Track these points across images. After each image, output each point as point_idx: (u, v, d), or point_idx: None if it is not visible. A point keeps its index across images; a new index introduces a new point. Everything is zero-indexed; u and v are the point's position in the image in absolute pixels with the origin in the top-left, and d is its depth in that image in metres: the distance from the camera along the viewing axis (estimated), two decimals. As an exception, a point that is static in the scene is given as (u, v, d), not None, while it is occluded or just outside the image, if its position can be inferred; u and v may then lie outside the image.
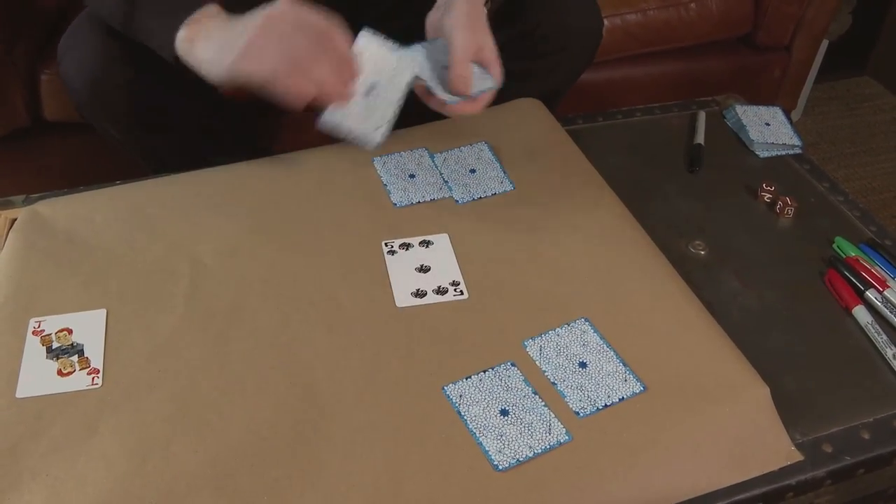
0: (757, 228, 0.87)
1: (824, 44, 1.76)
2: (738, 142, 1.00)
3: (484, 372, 0.64)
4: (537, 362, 0.65)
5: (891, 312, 0.75)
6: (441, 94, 0.75)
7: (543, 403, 0.62)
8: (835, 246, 0.84)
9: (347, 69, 0.74)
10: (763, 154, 0.98)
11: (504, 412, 0.61)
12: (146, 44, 0.76)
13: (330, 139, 0.79)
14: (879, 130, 1.92)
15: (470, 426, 0.60)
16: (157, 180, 0.83)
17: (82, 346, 0.65)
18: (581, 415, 0.61)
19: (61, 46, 0.84)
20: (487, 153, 0.87)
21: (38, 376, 0.63)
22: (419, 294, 0.71)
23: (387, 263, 0.74)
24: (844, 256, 0.82)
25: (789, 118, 1.02)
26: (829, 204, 0.91)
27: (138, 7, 0.75)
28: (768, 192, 0.90)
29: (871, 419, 0.67)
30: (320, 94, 0.72)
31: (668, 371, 0.65)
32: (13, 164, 1.24)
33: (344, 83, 0.74)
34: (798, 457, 0.63)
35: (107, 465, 0.57)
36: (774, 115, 1.02)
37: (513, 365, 0.65)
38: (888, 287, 0.77)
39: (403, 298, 0.70)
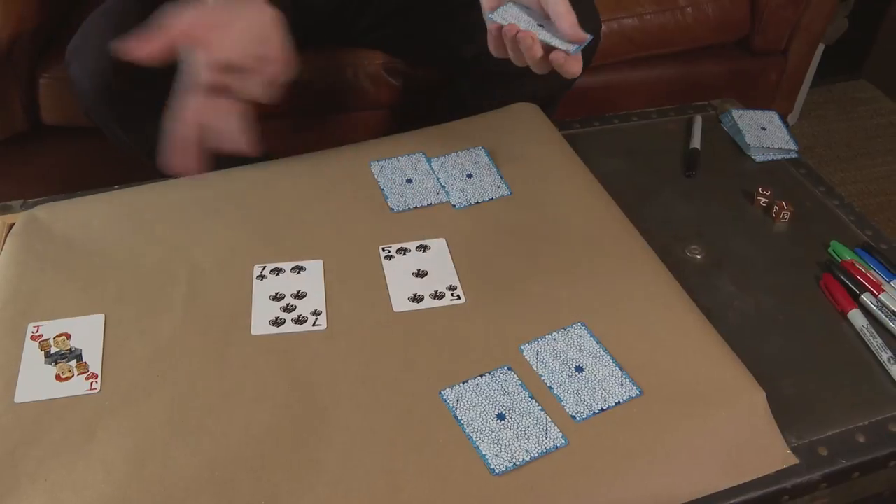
0: (753, 232, 0.87)
1: (820, 48, 1.76)
2: (734, 146, 1.00)
3: (481, 376, 0.64)
4: (534, 367, 0.65)
5: (886, 316, 0.76)
6: (561, 45, 0.69)
7: (540, 408, 0.62)
8: (830, 250, 0.84)
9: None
10: (759, 158, 0.98)
11: (501, 416, 0.62)
12: None
13: (327, 144, 0.79)
14: (875, 134, 1.93)
15: (467, 430, 0.60)
16: (155, 185, 0.83)
17: (81, 350, 0.65)
18: (577, 419, 0.62)
19: (70, 49, 0.84)
20: (484, 158, 0.87)
21: (36, 381, 0.63)
22: (416, 299, 0.71)
23: (384, 268, 0.74)
24: (840, 260, 0.82)
25: (785, 122, 1.03)
26: (824, 208, 0.91)
27: None
28: (764, 196, 0.90)
29: (867, 422, 0.67)
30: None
31: (664, 375, 0.65)
32: (11, 168, 1.23)
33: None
34: (793, 460, 0.63)
35: (105, 470, 0.57)
36: (770, 119, 1.02)
37: (509, 369, 0.65)
38: (883, 291, 0.78)
39: (400, 303, 0.71)
